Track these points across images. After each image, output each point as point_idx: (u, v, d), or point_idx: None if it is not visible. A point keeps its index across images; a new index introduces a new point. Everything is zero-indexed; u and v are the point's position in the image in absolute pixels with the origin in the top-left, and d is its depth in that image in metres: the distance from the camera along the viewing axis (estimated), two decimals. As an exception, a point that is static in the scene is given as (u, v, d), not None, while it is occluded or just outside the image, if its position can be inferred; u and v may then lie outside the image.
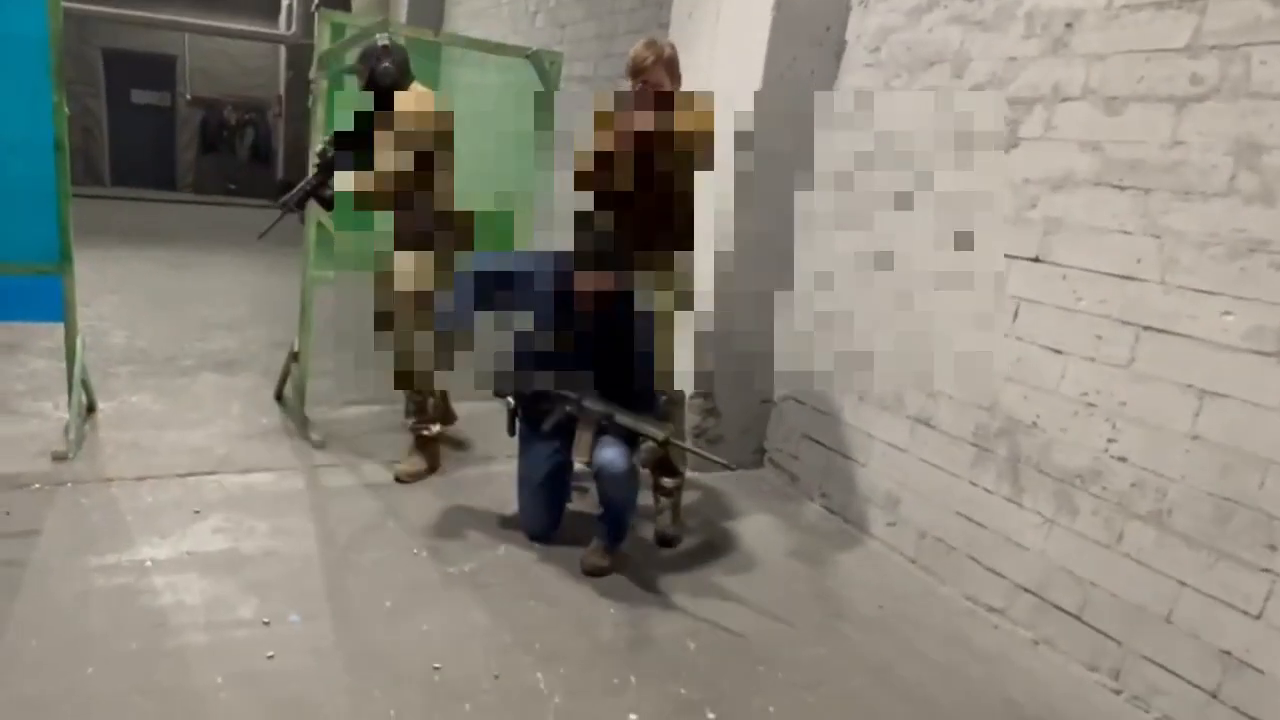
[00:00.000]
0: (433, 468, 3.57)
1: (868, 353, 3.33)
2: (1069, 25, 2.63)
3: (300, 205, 3.48)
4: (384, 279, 3.12)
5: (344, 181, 3.16)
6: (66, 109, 3.21)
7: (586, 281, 2.70)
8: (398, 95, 3.14)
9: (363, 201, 3.09)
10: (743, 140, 3.24)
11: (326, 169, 3.33)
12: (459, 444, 3.92)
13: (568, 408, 2.83)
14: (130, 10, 11.84)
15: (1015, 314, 2.79)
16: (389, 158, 3.02)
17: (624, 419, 2.72)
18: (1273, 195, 2.15)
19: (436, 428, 3.56)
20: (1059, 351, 2.65)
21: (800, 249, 3.53)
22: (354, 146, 3.08)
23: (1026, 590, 2.72)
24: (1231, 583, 2.20)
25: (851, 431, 3.46)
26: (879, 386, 3.31)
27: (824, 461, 3.59)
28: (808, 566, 3.13)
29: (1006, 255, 2.81)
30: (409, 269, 3.07)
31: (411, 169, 3.01)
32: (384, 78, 3.17)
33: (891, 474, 3.25)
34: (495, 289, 2.80)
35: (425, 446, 3.53)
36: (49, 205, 3.23)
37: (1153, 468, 2.38)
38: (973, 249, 2.89)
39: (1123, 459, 2.46)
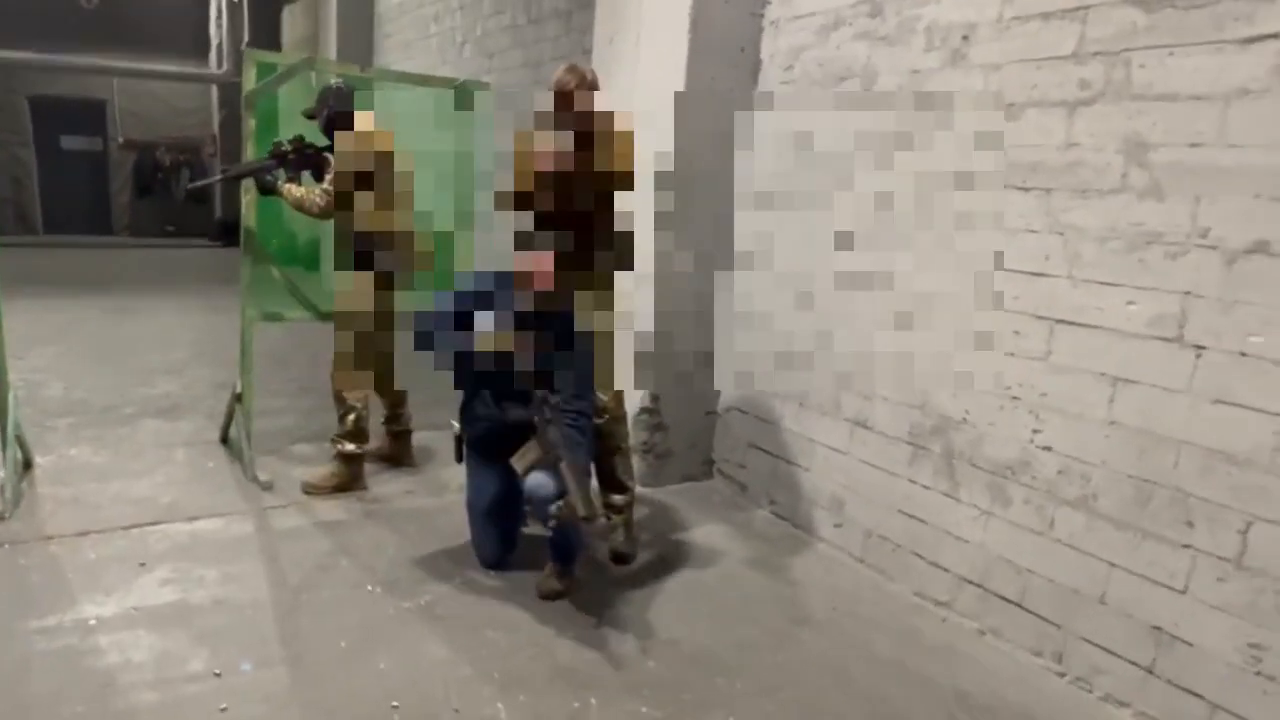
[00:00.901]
0: (344, 486, 3.56)
1: (798, 353, 3.38)
2: (965, 38, 2.72)
3: (241, 178, 3.58)
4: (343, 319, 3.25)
5: (294, 192, 3.41)
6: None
7: (525, 262, 2.66)
8: (358, 130, 3.18)
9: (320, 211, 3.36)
10: (663, 180, 3.28)
11: (279, 159, 3.46)
12: (396, 462, 3.93)
13: (537, 414, 2.71)
14: (57, 56, 11.54)
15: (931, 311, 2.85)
16: (339, 178, 3.20)
17: (568, 475, 2.60)
18: (1162, 190, 2.24)
19: (352, 446, 3.56)
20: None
21: (736, 262, 3.57)
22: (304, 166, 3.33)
23: (970, 582, 2.77)
24: (1157, 560, 2.28)
25: (794, 438, 3.50)
26: (815, 391, 3.36)
27: (770, 469, 3.63)
28: (761, 574, 3.15)
29: (912, 250, 2.87)
30: (348, 288, 3.16)
31: (349, 189, 3.16)
32: (341, 121, 3.25)
33: (834, 477, 3.30)
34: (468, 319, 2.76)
35: (344, 462, 3.56)
36: (-29, 261, 3.13)
37: (1076, 455, 2.46)
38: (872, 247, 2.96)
39: (1048, 448, 2.53)
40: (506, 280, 2.71)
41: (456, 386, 2.88)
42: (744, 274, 3.56)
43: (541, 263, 2.66)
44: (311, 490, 3.52)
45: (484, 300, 2.72)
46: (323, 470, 3.59)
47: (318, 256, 4.82)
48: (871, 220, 3.02)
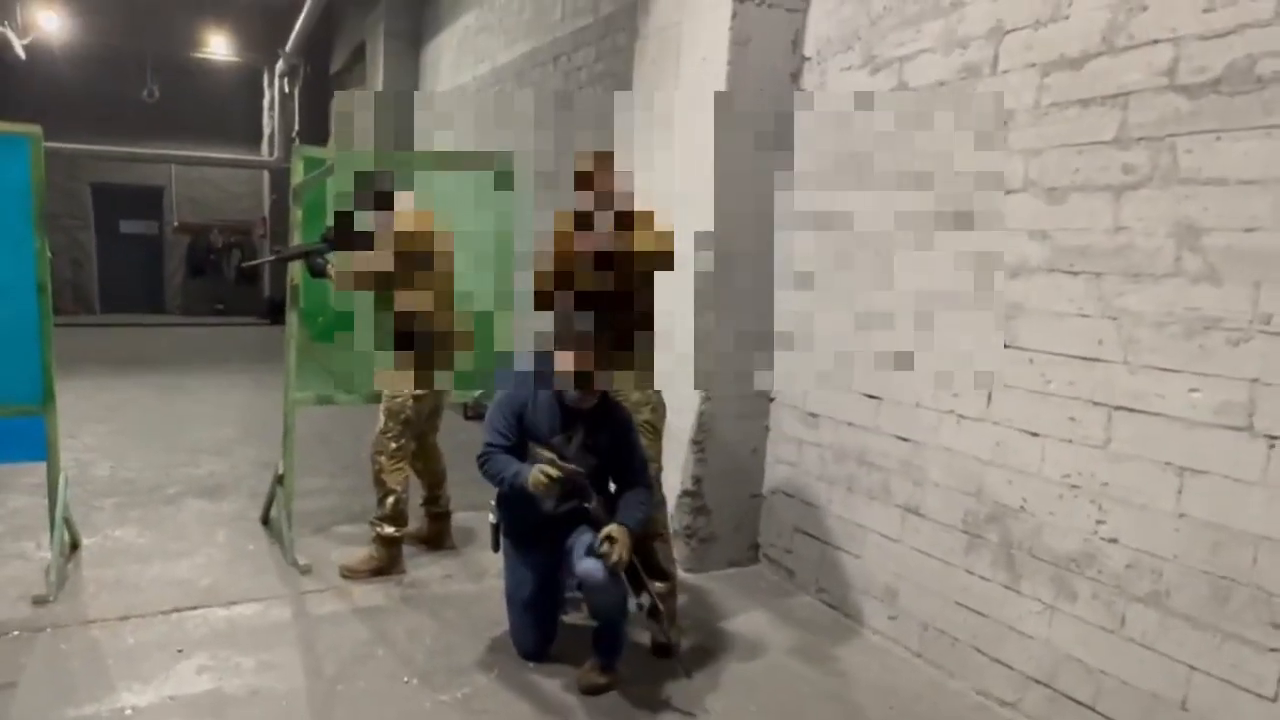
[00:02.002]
0: (382, 569, 3.53)
1: (847, 442, 3.33)
2: (1004, 124, 2.73)
3: (291, 260, 3.64)
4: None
5: (344, 260, 3.28)
6: (49, 253, 3.25)
7: (567, 361, 2.66)
8: (398, 213, 3.20)
9: (350, 281, 3.23)
10: (703, 240, 3.31)
11: (329, 242, 3.49)
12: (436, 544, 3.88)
13: (581, 500, 2.73)
14: (118, 147, 12.19)
15: (989, 399, 2.79)
16: (384, 258, 3.13)
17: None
18: (1218, 275, 2.19)
19: (390, 530, 3.54)
20: (1036, 434, 2.64)
21: (777, 342, 3.55)
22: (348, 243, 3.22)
23: (1037, 681, 2.62)
24: (1241, 664, 2.14)
25: (842, 523, 3.40)
26: (863, 475, 3.28)
27: (818, 554, 3.52)
28: (811, 667, 3.02)
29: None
30: (389, 367, 3.14)
31: (390, 269, 3.13)
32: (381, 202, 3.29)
33: (886, 565, 3.19)
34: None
35: (383, 545, 3.54)
36: (32, 347, 3.24)
37: (1145, 548, 2.34)
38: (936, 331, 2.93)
39: (1113, 540, 2.42)
40: (547, 361, 2.73)
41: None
42: (785, 354, 3.52)
43: (583, 362, 2.66)
44: (349, 574, 3.49)
45: (542, 380, 2.74)
46: (361, 554, 3.57)
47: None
48: (913, 300, 3.00)
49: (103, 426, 5.83)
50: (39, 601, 3.11)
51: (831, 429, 3.44)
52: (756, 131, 3.51)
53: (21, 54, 11.42)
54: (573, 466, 2.67)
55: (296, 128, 12.33)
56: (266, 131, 13.17)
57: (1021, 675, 2.67)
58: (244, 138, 13.68)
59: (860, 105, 3.24)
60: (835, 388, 3.38)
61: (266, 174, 13.67)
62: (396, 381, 3.24)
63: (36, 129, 3.16)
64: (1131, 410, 2.38)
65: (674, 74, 3.73)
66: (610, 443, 2.80)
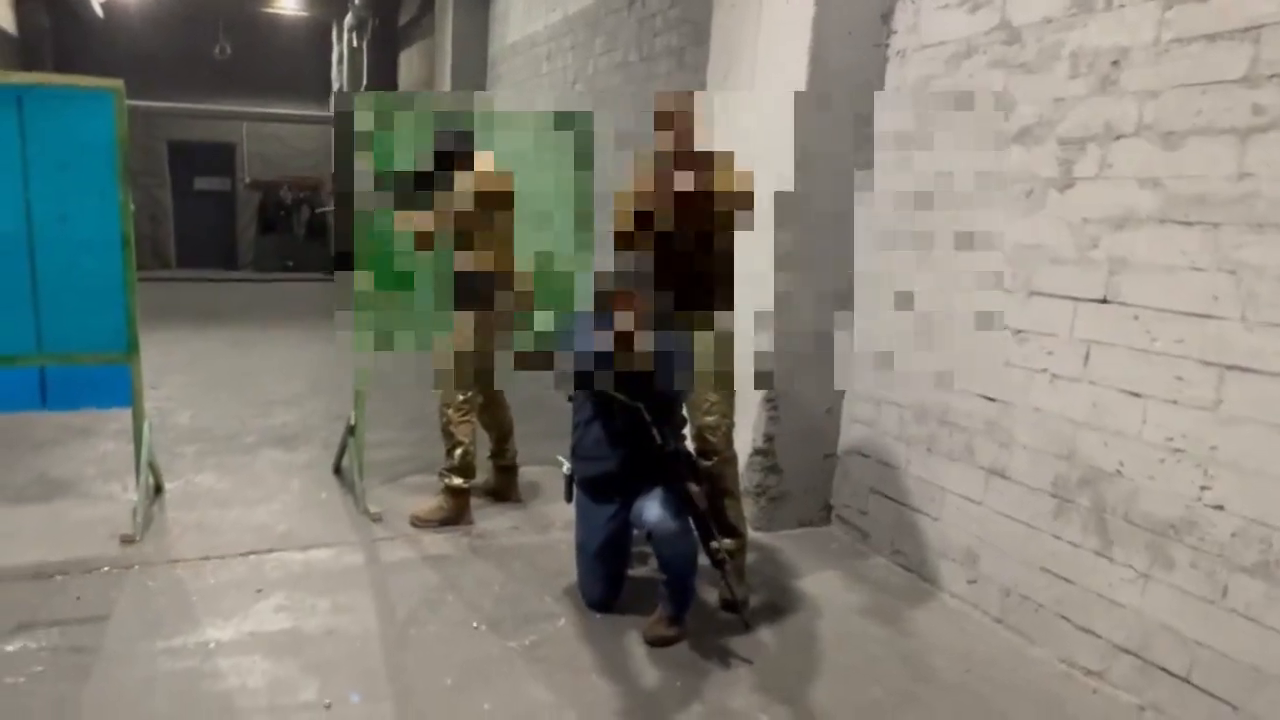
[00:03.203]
0: (451, 520, 3.64)
1: (930, 399, 3.26)
2: (1115, 63, 2.59)
3: None
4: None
5: (404, 221, 3.24)
6: (132, 206, 3.40)
7: (625, 319, 2.66)
8: (478, 173, 3.22)
9: (422, 242, 3.20)
10: (784, 212, 3.25)
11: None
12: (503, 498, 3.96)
13: (646, 447, 2.74)
14: (193, 104, 12.62)
15: (1086, 358, 2.69)
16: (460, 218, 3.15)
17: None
18: (1356, 223, 2.05)
19: (459, 481, 3.63)
20: (1137, 395, 2.54)
21: (858, 295, 3.48)
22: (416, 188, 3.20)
23: (1126, 651, 2.56)
24: (1355, 638, 2.04)
25: (921, 484, 3.35)
26: (945, 435, 3.22)
27: (894, 517, 3.48)
28: (884, 628, 3.01)
29: (1071, 297, 2.73)
30: (468, 332, 3.15)
31: (469, 228, 3.14)
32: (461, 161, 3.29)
33: (968, 528, 3.13)
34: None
35: (451, 496, 3.64)
36: (117, 298, 3.40)
37: (1255, 516, 2.23)
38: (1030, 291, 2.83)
39: (1219, 507, 2.32)
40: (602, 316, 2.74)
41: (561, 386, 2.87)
42: (871, 314, 3.45)
43: (635, 295, 2.66)
44: (419, 523, 3.61)
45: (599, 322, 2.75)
46: (430, 504, 3.68)
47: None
48: (1015, 260, 2.90)
49: (181, 377, 6.12)
50: (127, 541, 3.31)
51: (911, 387, 3.37)
52: (845, 83, 3.42)
53: (99, 12, 11.87)
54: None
55: (365, 81, 12.53)
56: (335, 86, 13.42)
57: (1109, 644, 2.61)
58: (313, 93, 13.98)
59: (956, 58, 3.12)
60: (917, 349, 3.30)
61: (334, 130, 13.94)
62: (463, 338, 3.29)
63: (119, 83, 3.27)
64: (1246, 370, 2.26)
65: (755, 18, 3.64)
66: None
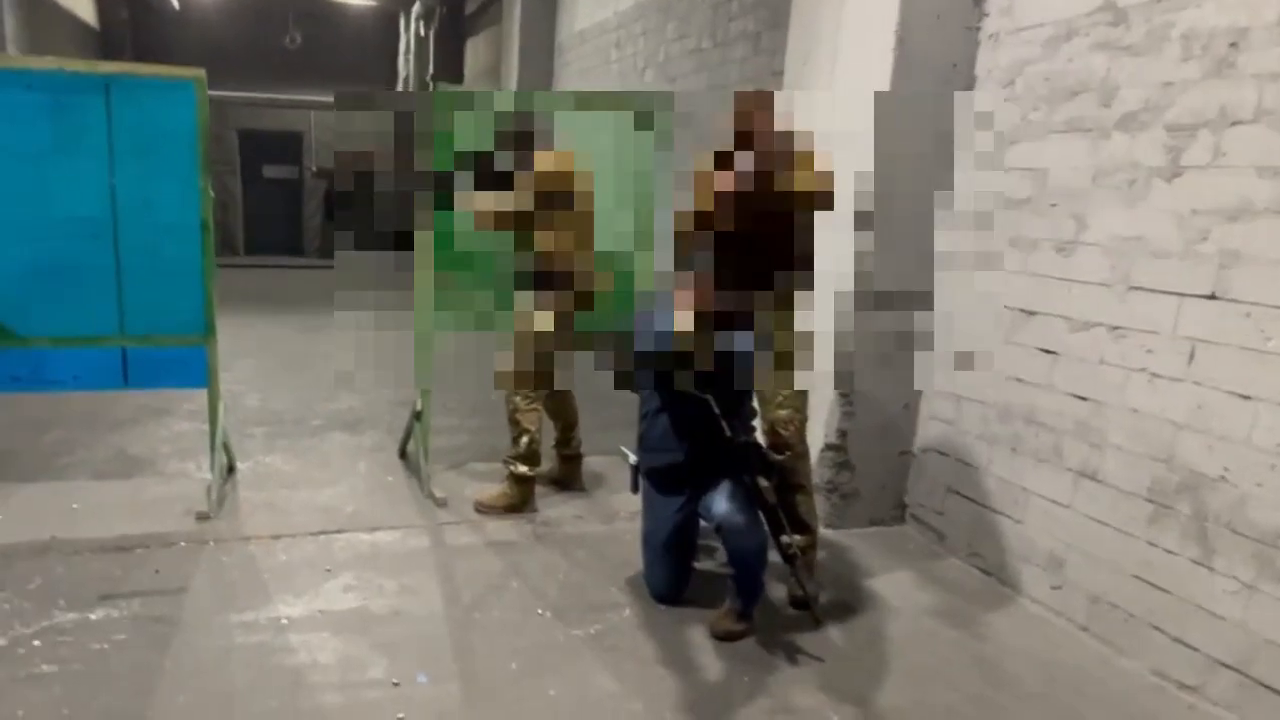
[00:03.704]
0: (515, 507, 3.68)
1: (1015, 401, 3.18)
2: (1233, 45, 2.47)
3: None
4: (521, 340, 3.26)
5: (465, 201, 3.26)
6: (211, 192, 3.52)
7: (685, 284, 2.66)
8: (539, 154, 3.26)
9: (490, 221, 3.22)
10: (862, 220, 3.20)
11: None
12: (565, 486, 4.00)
13: (713, 440, 2.74)
14: (262, 94, 13.02)
15: (1191, 356, 2.58)
16: (524, 198, 3.16)
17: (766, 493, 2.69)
18: None
19: (524, 469, 3.67)
20: (1247, 397, 2.43)
21: (940, 293, 3.40)
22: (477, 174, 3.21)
23: (1226, 665, 2.45)
24: None
25: (1003, 485, 3.27)
26: (1031, 436, 3.13)
27: (973, 518, 3.40)
28: (960, 632, 2.94)
29: (1175, 293, 2.62)
30: (527, 309, 3.18)
31: (541, 209, 3.15)
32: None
33: (1053, 532, 3.04)
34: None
35: (516, 484, 3.68)
36: (196, 281, 3.53)
37: (1375, 525, 2.13)
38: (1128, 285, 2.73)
39: (1336, 515, 2.21)
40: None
41: (623, 386, 2.88)
42: (956, 308, 3.38)
43: (700, 285, 2.65)
44: (484, 509, 3.67)
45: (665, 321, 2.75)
46: (495, 490, 3.73)
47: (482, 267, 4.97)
48: (1113, 253, 2.81)
49: (251, 361, 6.32)
50: (201, 517, 3.43)
51: (997, 385, 3.29)
52: (933, 66, 3.34)
53: (175, 5, 12.32)
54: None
55: (431, 70, 12.75)
56: (401, 75, 13.68)
57: (1207, 658, 2.51)
58: (380, 82, 14.27)
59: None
60: (1007, 344, 3.23)
61: (399, 119, 14.21)
62: (535, 322, 3.32)
63: (200, 72, 3.38)
64: (1369, 369, 2.15)
65: (839, 0, 3.58)
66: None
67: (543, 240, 3.26)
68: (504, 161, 3.27)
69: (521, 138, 3.39)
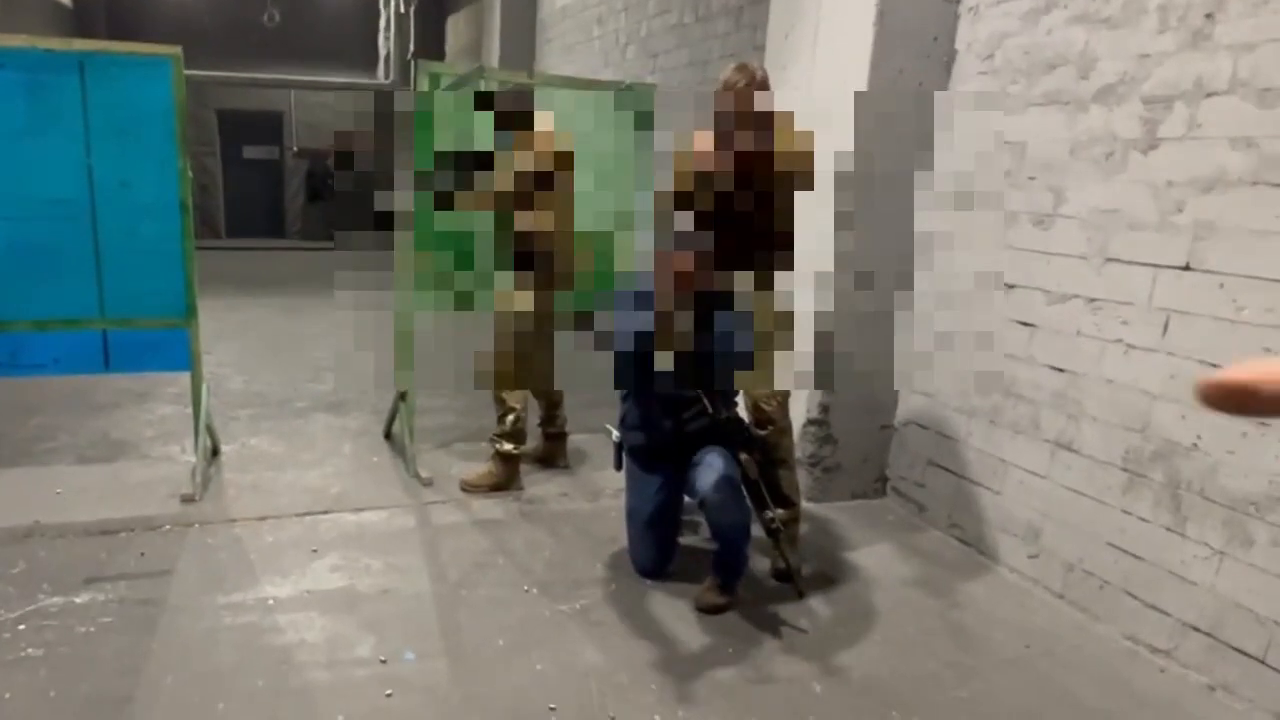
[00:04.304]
0: (501, 485, 3.71)
1: (997, 373, 3.22)
2: (1209, 16, 2.49)
3: None
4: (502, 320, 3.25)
5: (466, 201, 3.25)
6: (190, 172, 3.48)
7: (678, 261, 2.69)
8: (539, 133, 3.23)
9: (483, 201, 3.16)
10: (843, 181, 3.21)
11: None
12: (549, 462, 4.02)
13: (696, 417, 2.78)
14: (241, 73, 12.84)
15: (1165, 327, 2.62)
16: (505, 178, 3.14)
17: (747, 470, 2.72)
18: None
19: (509, 447, 3.69)
20: (1220, 367, 2.46)
21: (920, 268, 3.43)
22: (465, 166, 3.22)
23: (1196, 629, 2.51)
24: None
25: (982, 457, 3.31)
26: (1009, 408, 3.17)
27: (953, 489, 3.45)
28: (940, 601, 2.99)
29: (1151, 264, 2.65)
30: (509, 289, 3.18)
31: (528, 189, 3.14)
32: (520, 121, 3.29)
33: (1030, 502, 3.09)
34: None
35: (501, 462, 3.70)
36: (176, 263, 3.50)
37: (1342, 490, 2.17)
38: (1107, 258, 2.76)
39: (1304, 481, 2.26)
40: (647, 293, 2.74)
41: (618, 385, 2.92)
42: (935, 284, 3.40)
43: (680, 263, 2.66)
44: (469, 488, 3.69)
45: (645, 300, 2.76)
46: (481, 469, 3.75)
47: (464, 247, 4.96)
48: (1090, 226, 2.83)
49: (234, 343, 6.29)
50: (186, 500, 3.43)
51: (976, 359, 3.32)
52: (914, 40, 3.34)
53: (151, -21, 12.10)
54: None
55: (412, 49, 12.61)
56: (382, 54, 13.52)
57: (1179, 622, 2.57)
58: (360, 61, 14.10)
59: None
60: (983, 317, 3.26)
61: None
62: (517, 301, 3.32)
63: (177, 50, 3.32)
64: (1338, 337, 2.19)
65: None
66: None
67: (525, 220, 3.25)
68: (502, 142, 3.23)
69: (520, 117, 3.31)
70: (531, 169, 3.17)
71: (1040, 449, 3.05)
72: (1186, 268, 2.55)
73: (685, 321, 2.69)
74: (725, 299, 2.69)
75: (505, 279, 3.33)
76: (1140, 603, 2.69)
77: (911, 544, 3.45)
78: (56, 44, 3.32)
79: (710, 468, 2.76)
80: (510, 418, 3.66)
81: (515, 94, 3.56)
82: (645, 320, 2.74)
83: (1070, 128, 2.92)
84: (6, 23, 8.77)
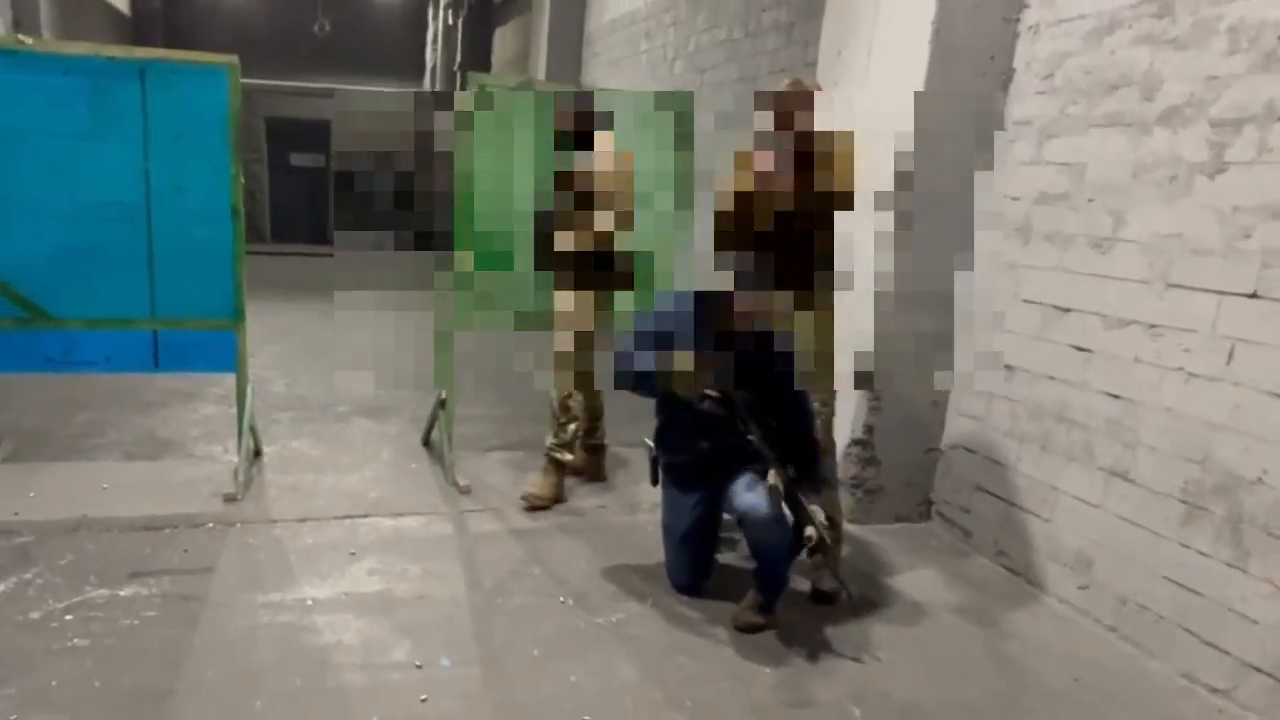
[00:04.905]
0: (561, 497, 3.73)
1: (1047, 397, 3.17)
2: (1281, 36, 2.45)
3: None
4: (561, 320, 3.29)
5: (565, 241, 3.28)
6: (242, 179, 3.57)
7: (745, 302, 2.71)
8: (599, 153, 3.24)
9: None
10: (903, 180, 3.19)
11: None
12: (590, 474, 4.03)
13: (734, 436, 2.76)
14: (291, 81, 13.18)
15: (1230, 356, 2.56)
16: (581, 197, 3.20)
17: (784, 483, 2.69)
18: None
19: (569, 456, 3.71)
20: (1287, 396, 2.40)
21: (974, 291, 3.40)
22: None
23: (1259, 670, 2.43)
24: None
25: (1032, 483, 3.26)
26: (1062, 434, 3.12)
27: (1001, 515, 3.40)
28: (984, 630, 2.94)
29: (1216, 291, 2.60)
30: (569, 308, 3.23)
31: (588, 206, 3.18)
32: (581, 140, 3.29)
33: (1082, 531, 3.03)
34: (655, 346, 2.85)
35: (557, 470, 3.72)
36: (226, 266, 3.59)
37: None
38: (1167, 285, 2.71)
39: (1376, 519, 2.18)
40: (706, 301, 2.75)
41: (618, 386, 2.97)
42: (992, 305, 3.37)
43: (760, 303, 2.69)
44: (534, 501, 3.67)
45: (684, 321, 2.77)
46: (542, 481, 3.74)
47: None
48: (1152, 250, 2.79)
49: (277, 347, 6.42)
50: (229, 499, 3.50)
51: (1028, 383, 3.28)
52: (970, 58, 3.32)
53: (207, -10, 12.49)
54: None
55: (459, 60, 12.83)
56: (429, 65, 13.79)
57: (1238, 661, 2.49)
58: (408, 72, 14.40)
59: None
60: (1038, 340, 3.22)
61: (425, 109, 14.33)
62: (579, 316, 3.31)
63: (234, 59, 3.43)
64: None
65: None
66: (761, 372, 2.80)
67: (595, 237, 3.22)
68: (566, 161, 3.20)
69: (582, 137, 3.31)
70: (593, 188, 3.16)
71: (1094, 477, 2.98)
72: (1254, 295, 2.50)
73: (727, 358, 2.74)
74: (779, 337, 2.71)
75: (565, 296, 3.31)
76: (1198, 640, 2.61)
77: (956, 570, 3.39)
78: (119, 52, 3.44)
79: (750, 486, 2.74)
80: (573, 427, 3.70)
81: (581, 110, 3.48)
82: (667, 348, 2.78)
83: (1133, 150, 2.88)
84: (70, 31, 9.11)
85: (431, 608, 2.82)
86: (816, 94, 2.81)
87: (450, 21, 13.16)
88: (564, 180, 3.21)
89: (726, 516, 3.04)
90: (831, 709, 2.43)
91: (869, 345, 3.29)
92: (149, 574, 2.89)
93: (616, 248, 3.24)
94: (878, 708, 2.44)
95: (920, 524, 3.78)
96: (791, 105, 2.72)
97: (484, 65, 12.19)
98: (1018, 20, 3.37)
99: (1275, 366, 2.44)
